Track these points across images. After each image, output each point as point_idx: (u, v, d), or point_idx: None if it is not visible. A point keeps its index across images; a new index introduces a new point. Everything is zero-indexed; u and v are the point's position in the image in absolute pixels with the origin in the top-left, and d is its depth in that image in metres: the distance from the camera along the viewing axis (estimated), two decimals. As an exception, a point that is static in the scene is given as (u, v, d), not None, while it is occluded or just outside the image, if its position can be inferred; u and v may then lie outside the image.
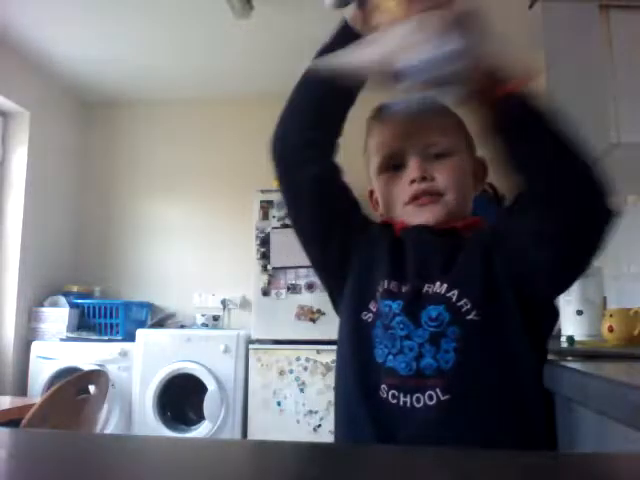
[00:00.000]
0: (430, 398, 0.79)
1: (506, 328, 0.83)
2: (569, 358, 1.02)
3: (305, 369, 3.23)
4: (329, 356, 3.18)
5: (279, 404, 3.23)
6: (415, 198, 0.91)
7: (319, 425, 3.18)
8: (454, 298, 0.82)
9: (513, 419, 0.82)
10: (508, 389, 0.82)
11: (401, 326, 0.83)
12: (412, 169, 0.91)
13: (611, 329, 1.50)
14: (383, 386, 0.82)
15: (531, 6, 2.08)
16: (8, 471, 0.33)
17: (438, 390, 0.79)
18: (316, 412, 3.19)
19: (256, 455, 0.40)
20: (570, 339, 1.54)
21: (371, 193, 1.01)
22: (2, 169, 3.60)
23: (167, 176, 4.11)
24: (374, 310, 0.87)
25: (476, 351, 0.81)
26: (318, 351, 3.19)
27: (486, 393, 0.81)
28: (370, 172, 0.99)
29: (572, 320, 1.83)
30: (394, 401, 0.81)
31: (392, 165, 0.94)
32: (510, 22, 3.20)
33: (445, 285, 0.83)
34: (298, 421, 3.20)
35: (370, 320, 0.86)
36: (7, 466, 0.35)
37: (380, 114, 0.97)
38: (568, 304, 1.85)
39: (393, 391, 0.81)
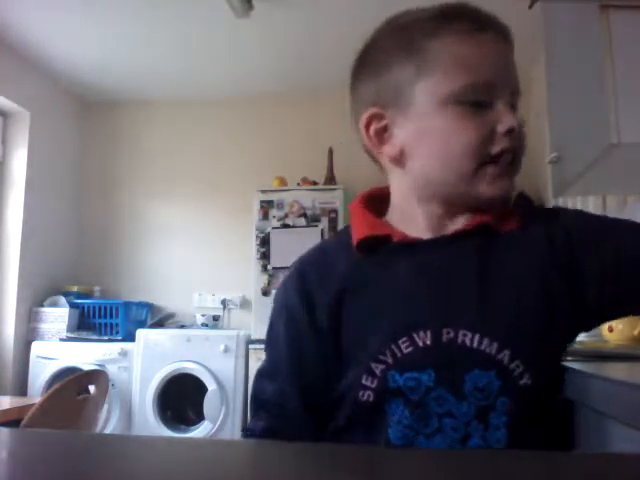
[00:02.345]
0: None
1: (555, 380, 0.67)
2: (569, 358, 1.01)
3: (305, 369, 3.23)
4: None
5: (279, 404, 3.22)
6: (501, 154, 0.66)
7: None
8: (505, 360, 0.62)
9: None
10: (555, 443, 0.67)
11: (440, 402, 0.63)
12: (510, 115, 0.65)
13: (611, 329, 1.50)
14: None
15: (531, 6, 2.08)
16: (8, 471, 0.33)
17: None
18: (316, 412, 3.19)
19: (256, 455, 0.40)
20: (570, 339, 1.54)
21: (371, 118, 0.70)
22: (2, 169, 3.60)
23: (167, 176, 4.11)
24: (378, 384, 0.65)
25: (528, 422, 0.64)
26: (318, 351, 3.19)
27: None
28: (418, 92, 0.67)
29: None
30: None
31: (478, 98, 0.65)
32: (510, 22, 3.19)
33: (487, 339, 0.62)
34: (298, 421, 3.20)
35: (371, 400, 0.66)
36: (7, 466, 0.35)
37: (457, 20, 0.67)
38: (568, 304, 1.85)
39: None
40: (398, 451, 0.40)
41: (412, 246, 0.69)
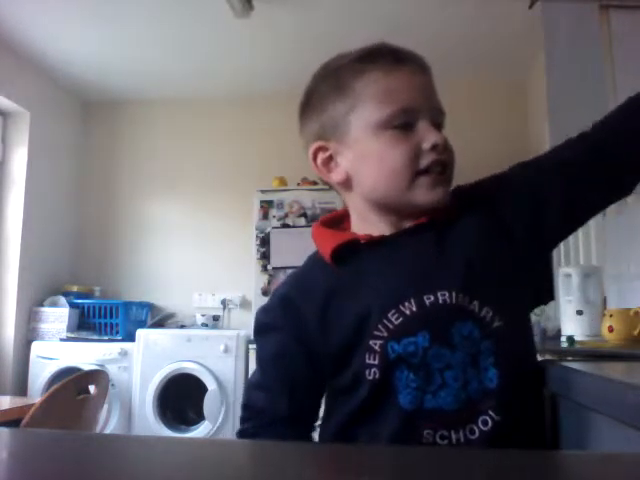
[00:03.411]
0: (484, 423, 0.70)
1: (522, 315, 0.80)
2: (569, 358, 1.01)
3: (305, 369, 3.23)
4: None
5: (279, 404, 3.22)
6: (429, 168, 0.75)
7: (319, 425, 3.17)
8: (476, 309, 0.73)
9: (541, 421, 0.79)
10: (537, 386, 0.79)
11: (438, 358, 0.72)
12: (432, 132, 0.75)
13: (611, 329, 1.50)
14: (427, 431, 0.71)
15: (531, 6, 2.08)
16: (8, 471, 0.33)
17: (491, 412, 0.71)
18: (316, 412, 3.19)
19: (256, 455, 0.40)
20: (570, 339, 1.54)
21: (317, 151, 0.82)
22: (2, 169, 3.60)
23: (167, 176, 4.11)
24: (380, 358, 0.73)
25: (510, 358, 0.73)
26: (318, 351, 3.19)
27: (528, 400, 0.76)
28: (350, 125, 0.78)
29: (572, 320, 1.83)
30: (444, 442, 0.71)
31: (402, 122, 0.75)
32: (510, 22, 3.21)
33: (460, 294, 0.73)
34: (298, 421, 3.20)
35: (377, 376, 0.73)
36: (7, 466, 0.35)
37: (381, 59, 0.79)
38: (568, 304, 1.85)
39: (442, 431, 0.71)
40: (399, 451, 0.40)
41: (379, 242, 0.79)
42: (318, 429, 0.86)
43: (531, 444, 0.75)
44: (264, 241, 3.46)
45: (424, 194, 0.76)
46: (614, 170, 0.79)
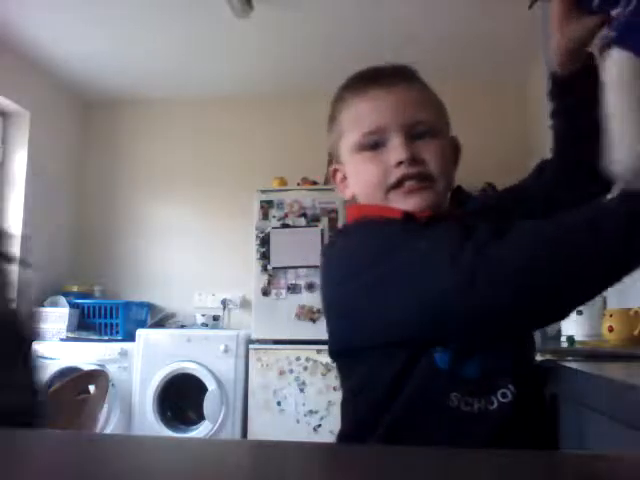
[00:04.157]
0: (504, 396, 0.74)
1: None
2: (569, 358, 1.01)
3: (305, 369, 3.23)
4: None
5: (279, 404, 3.22)
6: (400, 183, 0.81)
7: (319, 425, 3.17)
8: None
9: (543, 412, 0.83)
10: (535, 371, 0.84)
11: None
12: (399, 148, 0.80)
13: (611, 329, 1.50)
14: (454, 394, 0.74)
15: (531, 6, 2.08)
16: (8, 471, 0.33)
17: (510, 386, 0.75)
18: (316, 412, 3.19)
19: (256, 455, 0.40)
20: (570, 339, 1.54)
21: (335, 172, 0.91)
22: (2, 169, 3.60)
23: (167, 176, 4.11)
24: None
25: (522, 341, 0.81)
26: (318, 351, 3.19)
27: (535, 381, 0.81)
28: (341, 149, 0.88)
29: (572, 320, 1.83)
30: (467, 408, 0.74)
31: (371, 143, 0.83)
32: (510, 22, 3.20)
33: None
34: (298, 421, 3.20)
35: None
36: (7, 466, 0.35)
37: (357, 84, 0.87)
38: (568, 304, 1.85)
39: (466, 397, 0.74)
40: (399, 451, 0.40)
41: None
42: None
43: (542, 425, 0.80)
44: (264, 241, 3.46)
45: (400, 204, 0.81)
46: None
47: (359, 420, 0.82)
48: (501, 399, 0.74)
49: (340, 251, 0.83)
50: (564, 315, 0.73)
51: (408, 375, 0.76)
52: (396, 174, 0.80)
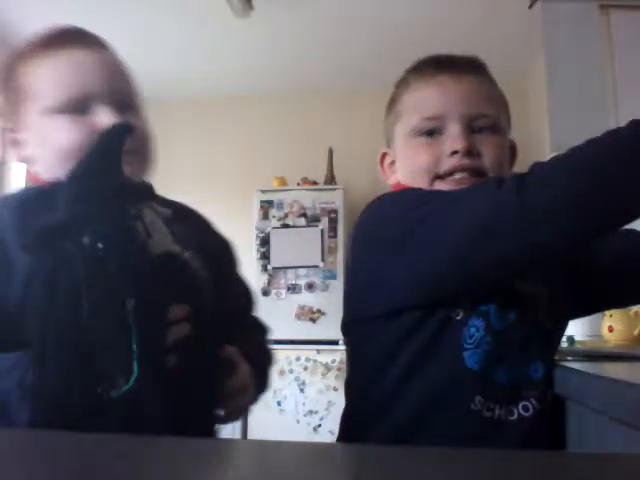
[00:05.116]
0: (525, 409, 0.73)
1: (566, 321, 0.88)
2: (569, 358, 1.01)
3: (305, 369, 3.23)
4: (329, 356, 3.18)
5: (279, 404, 3.22)
6: (451, 173, 0.78)
7: (319, 425, 3.18)
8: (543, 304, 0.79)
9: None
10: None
11: (511, 333, 0.74)
12: (456, 138, 0.78)
13: (611, 329, 1.50)
14: (478, 397, 0.71)
15: (531, 6, 2.08)
16: (8, 471, 0.33)
17: (533, 400, 0.73)
18: (316, 412, 3.19)
19: (256, 455, 0.40)
20: (570, 339, 1.54)
21: (383, 156, 0.89)
22: (2, 169, 3.60)
23: (167, 176, 4.09)
24: (466, 308, 0.74)
25: (551, 355, 0.80)
26: (318, 351, 3.19)
27: (552, 402, 0.78)
28: (396, 132, 0.85)
29: (572, 320, 1.83)
30: (488, 414, 0.71)
31: (429, 128, 0.80)
32: (510, 22, 3.20)
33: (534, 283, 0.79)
34: (298, 421, 3.20)
35: (459, 318, 0.73)
36: (7, 466, 0.35)
37: (424, 69, 0.85)
38: (568, 304, 1.85)
39: (490, 403, 0.72)
40: (399, 451, 0.40)
41: None
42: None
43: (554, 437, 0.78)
44: (264, 241, 3.45)
45: None
46: None
47: (368, 405, 0.79)
48: (522, 412, 0.73)
49: (385, 202, 0.80)
50: (618, 214, 0.63)
51: (431, 362, 0.73)
52: (448, 163, 0.78)
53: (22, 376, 0.58)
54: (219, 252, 0.94)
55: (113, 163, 0.65)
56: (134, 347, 0.57)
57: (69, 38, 0.84)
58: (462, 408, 0.71)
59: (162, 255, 0.69)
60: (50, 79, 0.77)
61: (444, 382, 0.72)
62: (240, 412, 0.84)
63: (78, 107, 0.77)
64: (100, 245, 0.58)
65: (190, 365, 0.65)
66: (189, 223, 0.92)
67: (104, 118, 0.76)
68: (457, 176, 0.77)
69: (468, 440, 0.71)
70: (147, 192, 0.91)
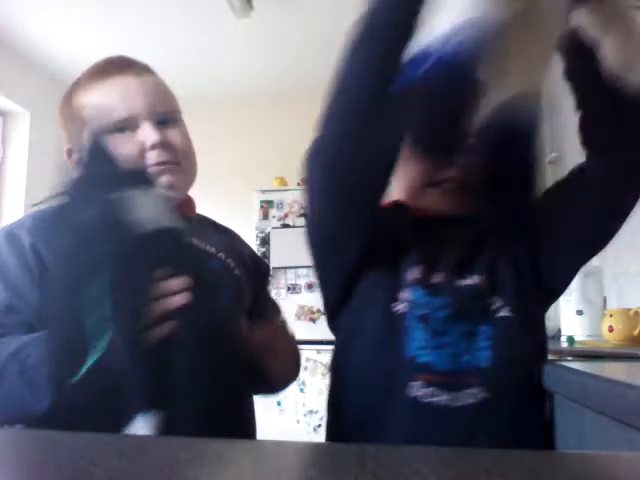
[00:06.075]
0: (472, 396, 0.74)
1: (535, 322, 0.83)
2: (569, 358, 1.02)
3: (305, 369, 3.23)
4: (329, 356, 3.17)
5: (279, 404, 3.22)
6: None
7: (319, 425, 3.18)
8: (485, 294, 0.79)
9: (536, 419, 0.80)
10: (533, 387, 0.80)
11: (442, 321, 0.77)
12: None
13: (611, 329, 1.50)
14: (415, 383, 0.75)
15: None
16: (8, 471, 0.33)
17: (478, 388, 0.75)
18: (316, 412, 3.19)
19: (256, 455, 0.40)
20: (570, 339, 1.54)
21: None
22: (2, 169, 3.60)
23: (167, 176, 4.11)
24: (407, 300, 0.78)
25: (510, 349, 0.78)
26: (318, 351, 3.19)
27: (519, 392, 0.78)
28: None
29: (572, 320, 1.84)
30: (426, 400, 0.74)
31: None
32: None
33: (476, 277, 0.80)
34: (298, 421, 3.20)
35: (401, 311, 0.78)
36: (7, 466, 0.35)
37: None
38: (568, 304, 1.85)
39: (428, 389, 0.74)
40: (398, 450, 0.40)
41: None
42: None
43: (515, 435, 0.76)
44: (264, 241, 3.46)
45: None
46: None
47: (332, 392, 0.90)
48: (467, 399, 0.74)
49: None
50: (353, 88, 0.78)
51: (372, 365, 0.79)
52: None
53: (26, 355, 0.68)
54: (255, 265, 1.09)
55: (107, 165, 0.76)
56: (107, 314, 0.63)
57: (113, 66, 0.97)
58: (402, 395, 0.74)
59: (156, 230, 0.72)
60: (98, 105, 0.89)
61: (389, 372, 0.76)
62: (281, 377, 1.01)
63: (127, 126, 0.87)
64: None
65: (196, 333, 0.71)
66: (229, 237, 1.16)
67: (147, 134, 0.86)
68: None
69: (410, 426, 0.74)
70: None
